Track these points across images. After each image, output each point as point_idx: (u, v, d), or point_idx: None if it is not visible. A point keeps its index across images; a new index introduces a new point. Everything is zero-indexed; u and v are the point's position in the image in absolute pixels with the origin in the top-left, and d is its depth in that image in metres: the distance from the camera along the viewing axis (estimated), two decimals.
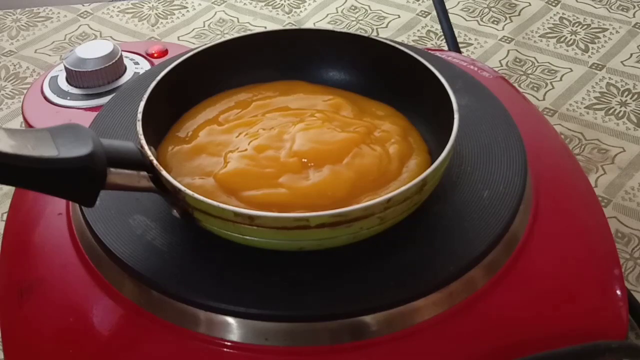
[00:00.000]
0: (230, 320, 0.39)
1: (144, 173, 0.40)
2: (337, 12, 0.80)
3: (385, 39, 0.49)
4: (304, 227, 0.38)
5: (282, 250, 0.41)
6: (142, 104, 0.44)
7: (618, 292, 0.44)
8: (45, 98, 0.55)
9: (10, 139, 0.36)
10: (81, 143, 0.38)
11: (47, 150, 0.37)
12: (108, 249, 0.42)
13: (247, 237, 0.39)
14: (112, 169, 0.39)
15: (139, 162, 0.40)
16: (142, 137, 0.42)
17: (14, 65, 0.74)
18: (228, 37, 0.53)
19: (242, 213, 0.38)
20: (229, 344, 0.39)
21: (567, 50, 0.74)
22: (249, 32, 0.51)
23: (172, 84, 0.47)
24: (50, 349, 0.42)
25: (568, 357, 0.39)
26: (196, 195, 0.39)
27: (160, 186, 0.40)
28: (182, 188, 0.39)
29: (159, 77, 0.46)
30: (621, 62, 0.72)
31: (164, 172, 0.40)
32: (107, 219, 0.43)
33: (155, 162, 0.40)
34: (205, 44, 0.49)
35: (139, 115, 0.43)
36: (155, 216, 0.43)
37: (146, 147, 0.41)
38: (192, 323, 0.40)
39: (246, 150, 0.44)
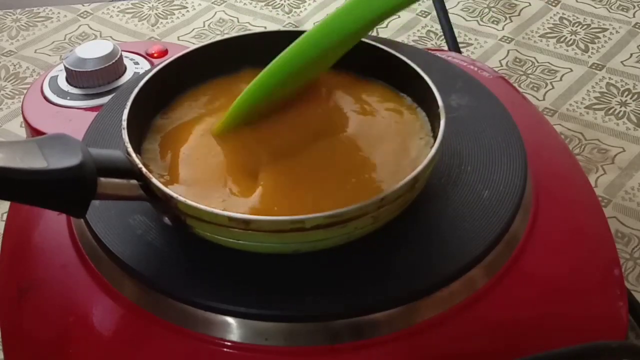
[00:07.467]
0: (230, 320, 0.39)
1: (134, 181, 0.40)
2: None
3: (380, 39, 0.49)
4: (300, 230, 0.38)
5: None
6: (126, 111, 0.43)
7: (618, 292, 0.44)
8: (45, 98, 0.55)
9: None
10: (70, 153, 0.37)
11: (36, 161, 0.36)
12: (108, 249, 0.42)
13: (241, 242, 0.39)
14: (102, 179, 0.38)
15: (128, 171, 0.40)
16: (128, 145, 0.41)
17: (14, 65, 0.74)
18: (227, 36, 0.53)
19: (237, 218, 0.38)
20: (228, 344, 0.39)
21: (567, 50, 0.74)
22: (240, 34, 0.50)
23: (159, 86, 0.46)
24: (50, 349, 0.42)
25: (568, 357, 0.39)
26: (188, 202, 0.39)
27: (151, 194, 0.40)
28: (174, 195, 0.39)
29: (141, 83, 0.45)
30: (621, 62, 0.72)
31: (153, 180, 0.40)
32: (107, 219, 0.43)
33: (144, 169, 0.40)
34: (197, 45, 0.49)
35: (124, 124, 0.42)
36: (155, 216, 0.43)
37: (133, 154, 0.41)
38: (192, 323, 0.40)
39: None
